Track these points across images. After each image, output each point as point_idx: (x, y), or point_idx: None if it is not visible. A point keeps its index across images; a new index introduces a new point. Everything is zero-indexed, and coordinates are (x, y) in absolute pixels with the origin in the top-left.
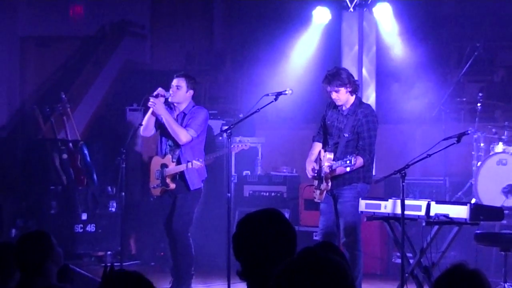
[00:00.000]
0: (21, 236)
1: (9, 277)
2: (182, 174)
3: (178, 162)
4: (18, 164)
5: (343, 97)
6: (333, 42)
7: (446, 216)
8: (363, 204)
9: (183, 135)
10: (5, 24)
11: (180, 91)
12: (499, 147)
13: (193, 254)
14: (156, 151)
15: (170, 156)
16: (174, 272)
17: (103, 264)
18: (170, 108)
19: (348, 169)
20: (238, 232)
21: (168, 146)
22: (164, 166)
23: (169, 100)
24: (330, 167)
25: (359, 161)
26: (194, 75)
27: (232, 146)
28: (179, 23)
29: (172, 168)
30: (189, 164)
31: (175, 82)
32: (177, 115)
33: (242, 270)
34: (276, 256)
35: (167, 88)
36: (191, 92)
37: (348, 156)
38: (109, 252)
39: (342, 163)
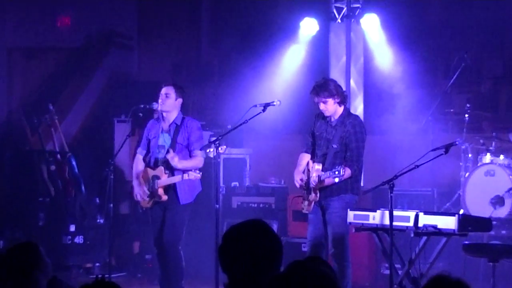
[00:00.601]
0: (10, 248)
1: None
2: (174, 186)
3: (172, 174)
4: (5, 176)
5: (331, 108)
6: (320, 53)
7: (434, 227)
8: (351, 215)
9: (199, 163)
10: None
11: (169, 100)
12: (487, 158)
13: (183, 266)
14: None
15: (163, 168)
16: (162, 283)
17: (92, 276)
18: (157, 121)
19: (336, 179)
20: (224, 244)
21: (157, 158)
22: (155, 177)
23: (159, 109)
24: (319, 177)
25: (347, 172)
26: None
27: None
28: (166, 35)
29: (165, 179)
30: (185, 175)
31: (163, 90)
32: (169, 126)
33: (229, 282)
34: (263, 267)
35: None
36: (180, 100)
37: (337, 167)
38: (97, 264)
39: (331, 173)
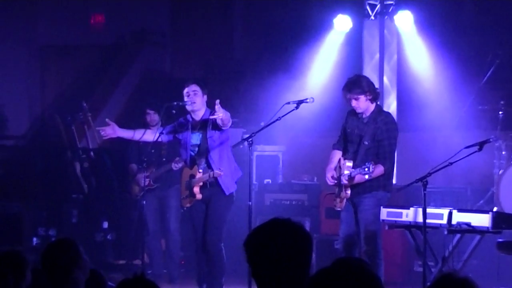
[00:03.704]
0: (48, 244)
1: (21, 280)
2: (216, 180)
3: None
4: (38, 173)
5: (362, 104)
6: (354, 50)
7: (468, 224)
8: (384, 212)
9: (228, 118)
10: (25, 33)
11: (198, 97)
12: None
13: (225, 263)
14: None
15: (197, 166)
16: (200, 281)
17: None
18: (185, 120)
19: (366, 176)
20: (247, 252)
21: (190, 156)
22: (192, 176)
23: (189, 109)
24: (349, 175)
25: (379, 169)
26: (214, 83)
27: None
28: (199, 32)
29: (198, 178)
30: (211, 173)
31: (190, 88)
32: (199, 123)
33: (254, 276)
34: (292, 268)
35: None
36: (205, 97)
37: (366, 164)
38: (129, 261)
39: (361, 170)
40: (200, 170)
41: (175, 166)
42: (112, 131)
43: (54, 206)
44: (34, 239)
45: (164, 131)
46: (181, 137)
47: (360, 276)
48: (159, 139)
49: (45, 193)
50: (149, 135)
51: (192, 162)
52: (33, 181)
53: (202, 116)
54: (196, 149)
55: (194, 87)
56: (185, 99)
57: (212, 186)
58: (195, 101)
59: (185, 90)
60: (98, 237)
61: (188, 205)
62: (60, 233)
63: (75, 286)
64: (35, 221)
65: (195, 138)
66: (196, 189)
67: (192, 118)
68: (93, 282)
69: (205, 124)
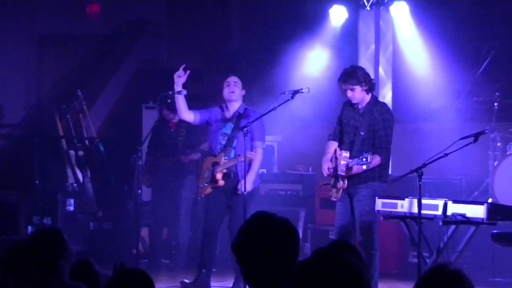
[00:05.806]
0: (33, 234)
1: (24, 275)
2: (236, 175)
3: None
4: (34, 162)
5: (358, 95)
6: (349, 41)
7: (463, 215)
8: (379, 203)
9: (260, 157)
10: (23, 23)
11: (238, 88)
12: None
13: None
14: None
15: (223, 154)
16: (200, 266)
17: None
18: (220, 109)
19: (364, 167)
20: (237, 242)
21: (220, 145)
22: (215, 164)
23: (227, 97)
24: (346, 165)
25: (376, 159)
26: (210, 74)
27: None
28: (195, 22)
29: (223, 163)
30: (240, 157)
31: (231, 79)
32: (233, 114)
33: (244, 275)
34: (277, 260)
35: (183, 87)
36: (243, 91)
37: (364, 154)
38: (125, 250)
39: (358, 161)
40: (226, 158)
41: (185, 158)
42: (182, 76)
43: (49, 195)
44: (29, 228)
45: (198, 112)
46: (213, 123)
47: (339, 267)
48: (193, 119)
49: (40, 182)
50: (190, 115)
51: (220, 150)
52: (28, 170)
53: (238, 108)
54: (226, 138)
55: (235, 78)
56: (225, 88)
57: (236, 178)
58: (235, 91)
59: (226, 80)
60: (93, 226)
61: (209, 190)
62: (55, 222)
63: (59, 276)
64: (30, 210)
65: (227, 128)
66: (219, 176)
67: (227, 108)
68: (80, 272)
69: (239, 117)
